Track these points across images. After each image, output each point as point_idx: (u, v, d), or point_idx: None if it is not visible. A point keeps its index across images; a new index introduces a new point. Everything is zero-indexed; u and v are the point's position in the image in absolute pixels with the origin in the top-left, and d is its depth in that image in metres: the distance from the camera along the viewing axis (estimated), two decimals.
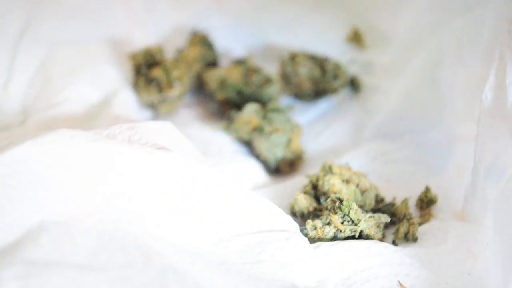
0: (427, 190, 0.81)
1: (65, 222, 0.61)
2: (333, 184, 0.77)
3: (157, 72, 0.90)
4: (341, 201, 0.75)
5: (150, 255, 0.60)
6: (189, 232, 0.67)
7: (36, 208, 0.61)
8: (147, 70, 0.91)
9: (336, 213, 0.74)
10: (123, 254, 0.60)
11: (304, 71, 0.95)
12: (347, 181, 0.78)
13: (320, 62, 0.95)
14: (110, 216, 0.64)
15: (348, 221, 0.74)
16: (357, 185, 0.78)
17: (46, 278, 0.55)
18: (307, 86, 0.95)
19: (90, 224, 0.62)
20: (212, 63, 0.99)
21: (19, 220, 0.60)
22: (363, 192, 0.78)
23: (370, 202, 0.78)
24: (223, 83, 0.93)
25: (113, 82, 0.92)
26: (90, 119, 0.86)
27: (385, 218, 0.76)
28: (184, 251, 0.64)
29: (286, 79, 0.96)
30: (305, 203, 0.77)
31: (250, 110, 0.88)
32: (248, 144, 0.90)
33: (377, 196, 0.81)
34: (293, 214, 0.78)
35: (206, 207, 0.68)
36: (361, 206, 0.77)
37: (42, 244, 0.58)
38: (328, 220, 0.74)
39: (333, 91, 0.95)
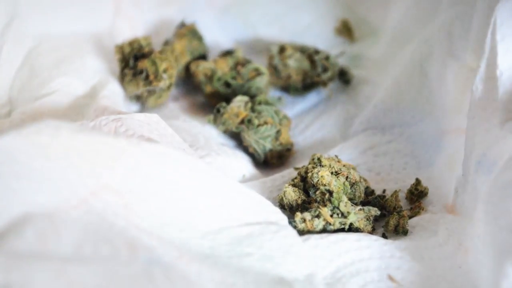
0: (417, 182, 0.81)
1: (50, 214, 0.60)
2: (322, 177, 0.76)
3: (144, 64, 0.89)
4: (330, 193, 0.74)
5: (135, 248, 0.59)
6: (176, 224, 0.66)
7: (20, 200, 0.60)
8: (134, 62, 0.90)
9: (325, 205, 0.74)
10: (108, 246, 0.59)
11: (293, 63, 0.94)
12: (336, 173, 0.77)
13: (309, 55, 0.95)
14: (96, 208, 0.63)
15: (337, 214, 0.73)
16: (347, 178, 0.77)
17: (29, 271, 0.54)
18: (296, 79, 0.94)
19: (75, 216, 0.61)
20: (202, 56, 0.98)
21: (3, 212, 0.59)
22: (352, 185, 0.77)
23: (360, 194, 0.78)
24: (211, 76, 0.92)
25: (99, 74, 0.91)
26: (77, 111, 0.85)
27: (375, 211, 0.75)
28: (171, 244, 0.64)
29: (275, 71, 0.95)
30: (293, 195, 0.76)
31: (239, 102, 0.88)
32: (236, 137, 0.89)
33: (367, 188, 0.80)
34: (282, 206, 0.77)
35: (194, 199, 0.67)
36: (350, 199, 0.77)
37: (26, 236, 0.57)
38: (317, 213, 0.73)
39: (323, 83, 0.95)
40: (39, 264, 0.55)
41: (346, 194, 0.76)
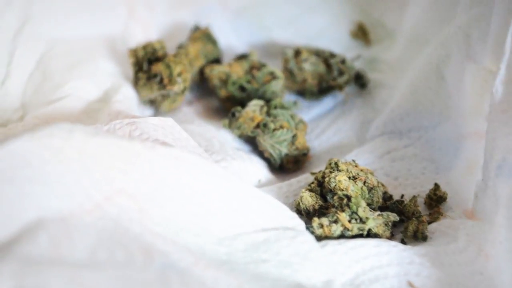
0: (436, 187, 0.79)
1: (63, 219, 0.59)
2: (340, 181, 0.75)
3: (158, 68, 0.88)
4: (349, 198, 0.73)
5: (150, 253, 0.58)
6: (192, 229, 0.65)
7: (34, 204, 0.59)
8: (148, 66, 0.89)
9: (344, 210, 0.72)
10: (123, 251, 0.58)
11: (309, 67, 0.93)
12: (354, 178, 0.76)
13: (325, 58, 0.94)
14: (110, 213, 0.62)
15: (356, 219, 0.72)
16: (364, 182, 0.76)
17: (43, 277, 0.53)
18: (311, 83, 0.93)
19: (89, 221, 0.60)
20: (216, 60, 0.97)
21: (16, 216, 0.58)
22: (370, 190, 0.76)
23: (378, 200, 0.77)
24: (225, 79, 0.91)
25: (113, 78, 0.90)
26: (89, 115, 0.84)
27: (393, 217, 0.74)
28: (187, 250, 0.63)
29: (290, 75, 0.94)
30: (310, 200, 0.75)
31: (254, 107, 0.87)
32: (251, 141, 0.88)
33: (385, 193, 0.79)
34: (299, 212, 0.76)
35: (209, 204, 0.67)
36: (369, 204, 0.76)
37: (39, 241, 0.56)
38: (335, 218, 0.72)
39: (339, 87, 0.94)
40: (52, 269, 0.54)
41: (364, 199, 0.75)
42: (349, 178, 0.76)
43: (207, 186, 0.67)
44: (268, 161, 0.86)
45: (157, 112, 0.91)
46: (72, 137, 0.62)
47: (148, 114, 0.91)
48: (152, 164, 0.64)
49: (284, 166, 0.86)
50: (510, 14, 0.77)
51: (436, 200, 0.79)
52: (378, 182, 0.78)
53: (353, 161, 0.80)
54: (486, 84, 0.82)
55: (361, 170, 0.78)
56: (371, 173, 0.78)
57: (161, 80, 0.88)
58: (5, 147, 0.60)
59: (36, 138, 0.61)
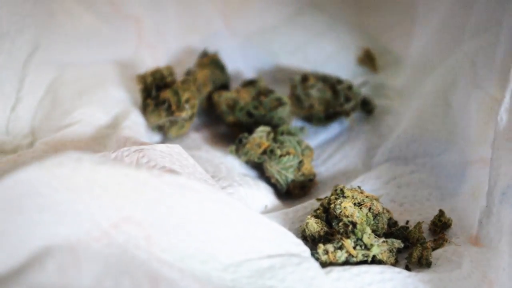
0: (440, 214, 0.80)
1: (71, 247, 0.60)
2: (345, 208, 0.75)
3: (167, 94, 0.89)
4: (354, 225, 0.73)
5: (157, 281, 0.59)
6: (198, 256, 0.65)
7: (42, 232, 0.60)
8: (156, 92, 0.90)
9: (349, 237, 0.73)
10: (129, 279, 0.58)
11: (316, 93, 0.94)
12: (359, 205, 0.76)
13: (331, 84, 0.94)
14: (117, 241, 0.62)
15: (360, 246, 0.72)
16: (370, 209, 0.77)
17: None
18: (318, 109, 0.94)
19: (96, 248, 0.61)
20: (224, 86, 0.98)
21: (24, 244, 0.59)
22: (375, 216, 0.77)
23: (383, 226, 0.77)
24: (233, 105, 0.92)
25: (122, 104, 0.91)
26: (99, 141, 0.85)
27: (398, 244, 0.74)
28: (192, 276, 0.63)
29: (297, 101, 0.95)
30: (316, 227, 0.76)
31: (261, 133, 0.87)
32: (258, 167, 0.88)
33: (390, 220, 0.79)
34: (304, 238, 0.77)
35: (215, 231, 0.67)
36: (374, 230, 0.76)
37: (47, 269, 0.57)
38: (340, 244, 0.72)
39: (345, 113, 0.94)
40: None
41: (369, 226, 0.76)
42: (355, 204, 0.77)
43: (213, 213, 0.67)
44: (275, 187, 0.87)
45: (165, 138, 0.92)
46: (80, 166, 0.62)
47: (156, 140, 0.91)
48: (159, 191, 0.65)
49: (291, 192, 0.86)
50: None
51: (440, 227, 0.79)
52: (383, 209, 0.78)
53: (359, 187, 0.80)
54: (492, 111, 0.82)
55: (367, 197, 0.78)
56: (376, 200, 0.79)
57: (169, 107, 0.89)
58: (15, 175, 0.61)
59: (45, 167, 0.61)
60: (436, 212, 0.81)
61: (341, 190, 0.78)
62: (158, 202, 0.65)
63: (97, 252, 0.60)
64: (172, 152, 0.76)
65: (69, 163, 0.62)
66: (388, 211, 0.80)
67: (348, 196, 0.77)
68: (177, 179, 0.66)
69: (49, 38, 0.94)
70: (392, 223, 0.79)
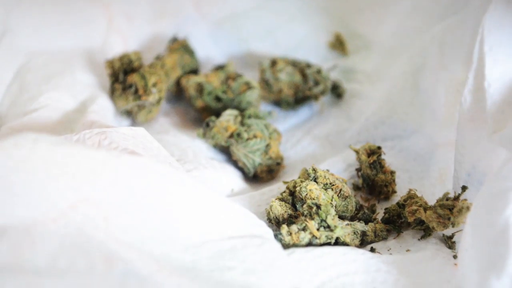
0: (408, 196, 0.79)
1: (27, 227, 0.60)
2: (311, 190, 0.75)
3: (134, 78, 0.89)
4: (318, 207, 0.73)
5: (112, 261, 0.59)
6: (157, 238, 0.65)
7: None
8: (124, 77, 0.90)
9: (313, 219, 0.73)
10: (84, 259, 0.58)
11: (285, 77, 0.94)
12: (331, 185, 0.76)
13: (301, 68, 0.94)
14: (75, 221, 0.62)
15: (324, 227, 0.72)
16: (340, 191, 0.76)
17: (1, 283, 0.53)
18: (287, 93, 0.94)
19: (53, 229, 0.61)
20: (193, 71, 0.98)
21: None
22: (345, 198, 0.77)
23: (352, 208, 0.77)
24: (201, 90, 0.92)
25: (90, 89, 0.91)
26: (66, 126, 0.84)
27: (362, 226, 0.74)
28: (151, 257, 0.63)
29: (267, 85, 0.94)
30: (280, 209, 0.75)
31: (228, 116, 0.87)
32: (226, 151, 0.88)
33: (356, 203, 0.79)
34: (269, 220, 0.76)
35: (176, 212, 0.67)
36: (343, 212, 0.76)
37: (1, 248, 0.57)
38: (303, 226, 0.72)
39: (314, 97, 0.94)
40: (11, 276, 0.54)
41: (338, 208, 0.76)
42: (326, 184, 0.76)
43: (173, 194, 0.67)
44: (242, 170, 0.87)
45: (134, 123, 0.92)
46: (37, 147, 0.62)
47: (125, 125, 0.91)
48: (117, 172, 0.64)
49: (258, 176, 0.86)
50: (479, 23, 0.77)
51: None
52: (352, 192, 0.78)
53: (327, 170, 0.80)
54: (459, 94, 0.82)
55: (337, 179, 0.78)
56: (345, 182, 0.79)
57: (136, 91, 0.88)
58: None
59: (1, 148, 0.61)
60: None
61: (314, 169, 0.78)
62: (117, 183, 0.64)
63: (53, 232, 0.60)
64: (135, 135, 0.76)
65: (26, 144, 0.62)
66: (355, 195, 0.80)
67: (320, 176, 0.77)
68: (137, 160, 0.66)
69: (17, 24, 0.94)
70: (358, 206, 0.79)
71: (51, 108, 0.86)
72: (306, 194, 0.75)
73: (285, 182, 0.82)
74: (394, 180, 0.81)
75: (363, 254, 0.71)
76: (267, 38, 1.04)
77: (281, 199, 0.77)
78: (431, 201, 0.79)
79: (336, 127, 0.92)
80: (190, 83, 0.92)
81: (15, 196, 0.61)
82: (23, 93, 0.88)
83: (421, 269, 0.71)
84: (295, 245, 0.72)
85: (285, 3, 1.05)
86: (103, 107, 0.88)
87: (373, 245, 0.75)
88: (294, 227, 0.72)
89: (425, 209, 0.74)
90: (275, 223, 0.76)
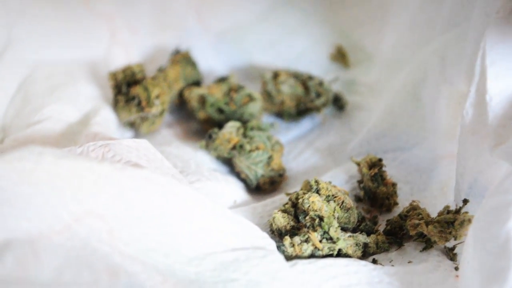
0: (409, 208, 0.80)
1: (31, 240, 0.60)
2: (313, 202, 0.75)
3: (137, 90, 0.89)
4: (321, 218, 0.74)
5: (117, 273, 0.59)
6: (161, 250, 0.66)
7: (2, 226, 0.60)
8: (127, 89, 0.90)
9: (315, 230, 0.73)
10: (89, 272, 0.59)
11: (287, 89, 0.94)
12: (333, 197, 0.77)
13: (303, 80, 0.95)
14: (79, 234, 0.62)
15: (327, 239, 0.73)
16: (342, 202, 0.77)
17: None
18: (289, 104, 0.94)
19: (57, 241, 0.61)
20: (196, 83, 0.98)
21: None
22: (347, 210, 0.77)
23: (354, 220, 0.77)
24: (204, 101, 0.92)
25: (93, 101, 0.91)
26: (69, 138, 0.85)
27: (364, 238, 0.75)
28: (155, 269, 0.63)
29: (269, 97, 0.95)
30: (282, 221, 0.76)
31: (230, 128, 0.88)
32: (228, 163, 0.89)
33: (358, 215, 0.79)
34: (272, 232, 0.77)
35: (179, 224, 0.67)
36: (345, 224, 0.76)
37: (5, 262, 0.57)
38: (306, 237, 0.72)
39: (316, 109, 0.95)
40: None
41: (341, 219, 0.76)
42: (328, 196, 0.77)
43: (177, 206, 0.67)
44: (245, 182, 0.87)
45: (136, 135, 0.92)
46: (42, 160, 0.62)
47: (128, 136, 0.91)
48: (121, 185, 0.65)
49: (261, 187, 0.87)
50: (481, 37, 0.78)
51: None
52: (354, 203, 0.79)
53: (330, 182, 0.80)
54: (460, 106, 0.82)
55: (339, 191, 0.78)
56: (347, 194, 0.79)
57: (139, 103, 0.89)
58: None
59: (7, 161, 0.61)
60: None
61: (316, 181, 0.78)
62: (121, 196, 0.65)
63: (58, 245, 0.61)
64: (139, 147, 0.76)
65: (31, 157, 0.62)
66: (356, 207, 0.80)
67: (322, 188, 0.77)
68: (140, 172, 0.66)
69: (21, 36, 0.94)
70: (360, 218, 0.80)
71: (55, 120, 0.86)
72: (309, 206, 0.76)
73: (287, 194, 0.83)
74: (395, 192, 0.82)
75: (365, 265, 0.72)
76: (269, 50, 1.05)
77: (284, 211, 0.78)
78: (433, 214, 0.79)
79: (338, 139, 0.93)
80: (193, 95, 0.93)
81: (19, 209, 0.61)
82: (26, 105, 0.88)
83: (423, 280, 0.71)
84: (297, 257, 0.72)
85: (287, 15, 1.06)
86: (106, 118, 0.89)
87: (375, 256, 0.75)
88: (296, 239, 0.72)
89: (427, 223, 0.74)
90: (278, 234, 0.76)
